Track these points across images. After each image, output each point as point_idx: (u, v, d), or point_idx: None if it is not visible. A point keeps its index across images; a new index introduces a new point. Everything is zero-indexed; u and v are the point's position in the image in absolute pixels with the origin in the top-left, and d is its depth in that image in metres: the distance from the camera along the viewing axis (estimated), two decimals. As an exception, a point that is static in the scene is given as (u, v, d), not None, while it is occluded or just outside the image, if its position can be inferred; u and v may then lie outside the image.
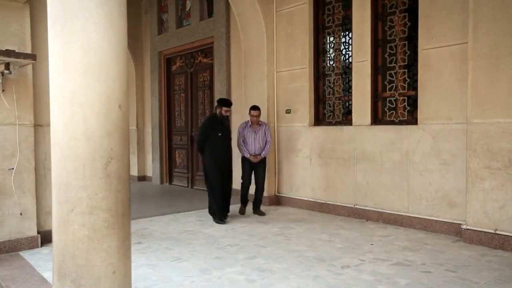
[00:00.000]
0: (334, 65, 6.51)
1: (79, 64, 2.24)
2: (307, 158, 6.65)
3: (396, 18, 5.68)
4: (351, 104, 6.16)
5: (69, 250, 2.29)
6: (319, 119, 6.68)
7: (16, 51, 4.27)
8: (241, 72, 7.55)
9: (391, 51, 5.75)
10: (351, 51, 6.14)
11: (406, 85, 5.62)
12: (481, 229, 4.60)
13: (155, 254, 4.43)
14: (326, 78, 6.60)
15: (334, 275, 3.77)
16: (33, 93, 4.60)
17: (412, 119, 5.52)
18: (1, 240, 4.43)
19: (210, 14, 8.47)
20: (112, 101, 2.32)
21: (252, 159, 6.22)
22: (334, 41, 6.52)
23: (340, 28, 6.40)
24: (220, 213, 5.87)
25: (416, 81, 5.39)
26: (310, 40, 6.59)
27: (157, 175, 9.93)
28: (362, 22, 5.88)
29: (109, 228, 2.31)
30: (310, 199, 6.61)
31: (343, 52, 6.39)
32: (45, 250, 4.58)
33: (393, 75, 5.73)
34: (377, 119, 5.89)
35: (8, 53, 4.13)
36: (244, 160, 6.29)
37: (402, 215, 5.47)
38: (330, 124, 6.47)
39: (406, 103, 5.63)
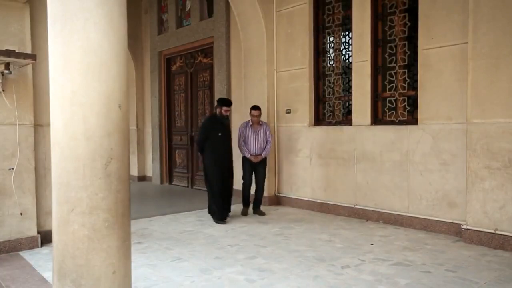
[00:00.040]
0: (334, 65, 6.51)
1: (79, 64, 2.25)
2: (307, 158, 6.65)
3: (396, 18, 5.68)
4: (351, 104, 6.16)
5: (69, 250, 2.29)
6: (319, 119, 6.68)
7: (16, 51, 4.27)
8: (241, 72, 7.55)
9: (391, 51, 5.75)
10: (351, 51, 6.14)
11: (406, 85, 5.62)
12: (481, 229, 4.60)
13: (155, 254, 4.44)
14: (326, 78, 6.60)
15: (334, 275, 3.77)
16: (33, 93, 4.60)
17: (412, 119, 5.52)
18: (1, 240, 4.43)
19: (210, 14, 8.47)
20: (112, 101, 2.32)
21: (252, 159, 6.22)
22: (334, 41, 6.51)
23: (340, 28, 6.40)
24: (220, 213, 5.87)
25: (416, 81, 5.39)
26: (310, 40, 6.59)
27: (157, 175, 9.93)
28: (362, 22, 5.88)
29: (109, 228, 2.31)
30: (310, 199, 6.61)
31: (343, 52, 6.39)
32: (45, 250, 4.58)
33: (393, 75, 5.73)
34: (377, 119, 5.89)
35: (8, 53, 4.13)
36: (244, 160, 6.29)
37: (402, 215, 5.47)
38: (330, 124, 6.47)
39: (406, 103, 5.63)
